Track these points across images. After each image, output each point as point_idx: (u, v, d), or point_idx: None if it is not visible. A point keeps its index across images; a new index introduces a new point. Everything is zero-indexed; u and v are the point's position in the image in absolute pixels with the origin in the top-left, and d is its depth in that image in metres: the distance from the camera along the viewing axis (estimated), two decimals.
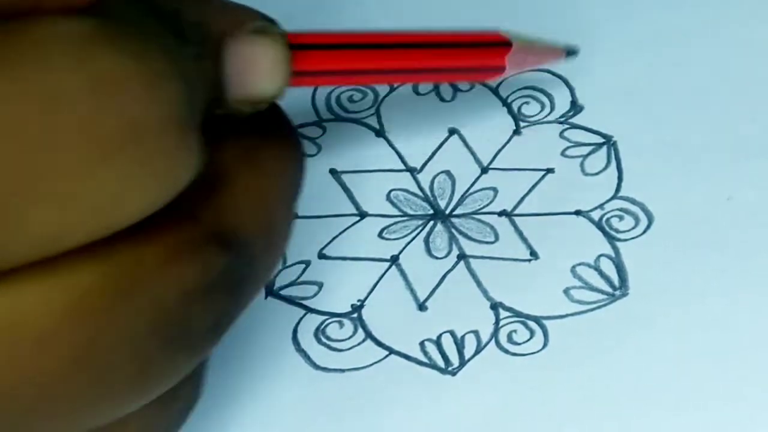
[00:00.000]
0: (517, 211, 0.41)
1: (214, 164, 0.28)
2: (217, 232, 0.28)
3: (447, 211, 0.42)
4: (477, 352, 0.38)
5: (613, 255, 0.39)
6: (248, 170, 0.30)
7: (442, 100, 0.45)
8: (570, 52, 0.42)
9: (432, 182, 0.42)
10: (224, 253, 0.28)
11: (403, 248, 0.41)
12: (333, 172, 0.43)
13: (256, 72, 0.29)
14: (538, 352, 0.37)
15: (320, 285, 0.40)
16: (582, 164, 0.42)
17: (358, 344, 0.39)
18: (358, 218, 0.42)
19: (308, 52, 0.32)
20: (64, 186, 0.25)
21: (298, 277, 0.41)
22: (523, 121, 0.44)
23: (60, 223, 0.25)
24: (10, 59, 0.24)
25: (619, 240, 0.40)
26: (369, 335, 0.39)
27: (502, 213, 0.41)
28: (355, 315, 0.39)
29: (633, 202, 0.41)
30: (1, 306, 0.25)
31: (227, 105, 0.29)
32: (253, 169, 0.30)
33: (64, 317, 0.26)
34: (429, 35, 0.36)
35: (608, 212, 0.41)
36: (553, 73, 0.45)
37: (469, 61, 0.38)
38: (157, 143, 0.25)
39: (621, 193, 0.41)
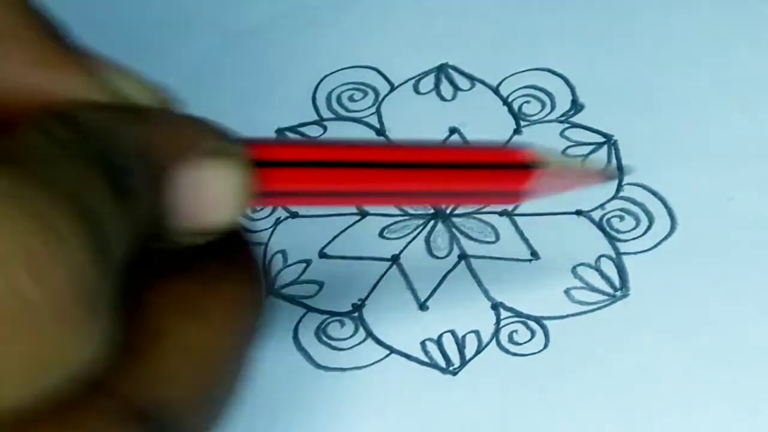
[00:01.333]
0: (517, 211, 0.41)
1: (145, 318, 0.25)
2: (139, 407, 0.24)
3: (448, 211, 0.42)
4: (478, 352, 0.38)
5: (613, 255, 0.39)
6: (188, 324, 0.26)
7: (443, 99, 0.45)
8: (611, 176, 0.36)
9: None
10: None
11: (404, 248, 0.41)
12: None
13: (208, 200, 0.25)
14: (539, 352, 0.37)
15: (321, 284, 0.40)
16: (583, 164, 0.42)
17: (359, 343, 0.39)
18: (358, 217, 0.42)
19: (278, 170, 0.27)
20: None
21: (299, 276, 0.41)
22: (524, 120, 0.44)
23: None
24: None
25: (619, 240, 0.40)
26: (370, 334, 0.39)
27: (503, 213, 0.41)
28: (356, 314, 0.39)
29: (634, 202, 0.41)
30: None
31: (171, 237, 0.25)
32: (195, 323, 0.26)
33: None
34: (433, 151, 0.30)
35: (609, 212, 0.41)
36: (554, 72, 0.45)
37: (480, 184, 0.30)
38: (51, 323, 0.22)
39: (621, 193, 0.41)
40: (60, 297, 0.22)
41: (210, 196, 0.25)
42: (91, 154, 0.24)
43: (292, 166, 0.27)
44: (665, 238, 0.40)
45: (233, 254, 0.27)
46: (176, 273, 0.26)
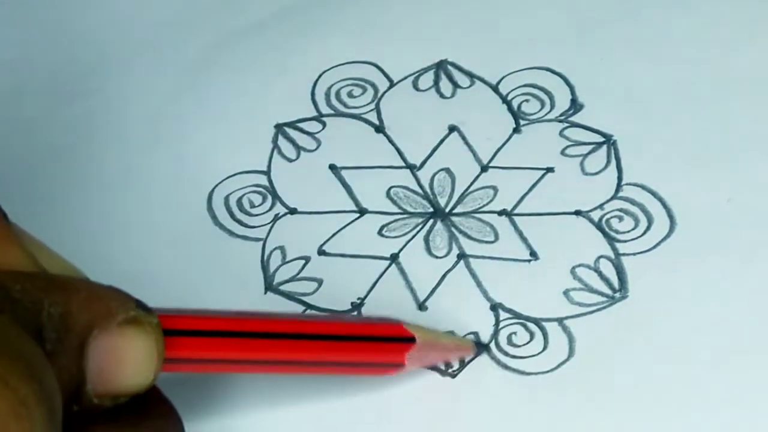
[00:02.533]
0: (517, 211, 0.41)
1: None
2: None
3: (447, 210, 0.42)
4: (477, 354, 0.38)
5: (612, 256, 0.39)
6: None
7: (443, 96, 0.45)
8: (480, 346, 0.38)
9: (432, 180, 0.42)
10: None
11: (403, 246, 0.41)
12: (332, 167, 0.43)
13: (123, 365, 0.28)
14: (538, 354, 0.38)
15: (320, 282, 0.40)
16: (582, 163, 0.42)
17: None
18: (357, 215, 0.42)
19: (186, 339, 0.30)
20: None
21: (298, 273, 0.41)
22: (523, 118, 0.44)
23: None
24: None
25: (618, 241, 0.40)
26: None
27: (502, 212, 0.41)
28: (356, 313, 0.39)
29: (633, 202, 0.41)
30: None
31: (87, 399, 0.28)
32: None
33: None
34: (323, 324, 0.34)
35: (608, 213, 0.41)
36: (553, 71, 0.45)
37: (363, 355, 0.35)
38: None
39: (621, 194, 0.41)
40: None
41: (126, 362, 0.28)
42: (22, 320, 0.26)
43: (195, 335, 0.31)
44: (664, 238, 0.40)
45: (150, 404, 0.30)
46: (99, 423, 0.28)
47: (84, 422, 0.28)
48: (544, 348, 0.38)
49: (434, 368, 0.38)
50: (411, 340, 0.35)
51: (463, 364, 0.38)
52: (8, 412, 0.24)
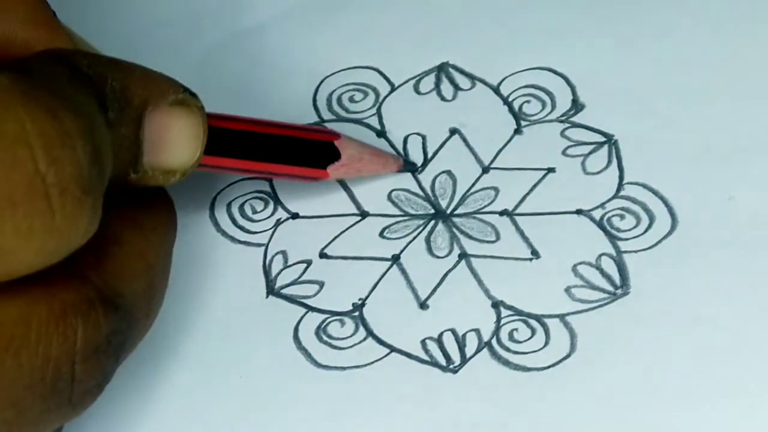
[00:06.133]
0: (518, 211, 0.41)
1: (104, 227, 0.30)
2: (105, 294, 0.30)
3: (448, 211, 0.42)
4: (478, 350, 0.38)
5: (614, 254, 0.39)
6: (133, 234, 0.32)
7: (443, 99, 0.45)
8: (408, 164, 0.43)
9: (433, 182, 0.43)
10: (111, 316, 0.30)
11: (405, 247, 0.41)
12: None
13: (173, 141, 0.32)
14: (539, 350, 0.37)
15: (321, 284, 0.40)
16: (583, 163, 0.42)
17: (360, 342, 0.39)
18: (359, 218, 0.42)
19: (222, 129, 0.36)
20: None
21: (300, 276, 0.41)
22: (524, 119, 0.44)
23: None
24: None
25: (620, 239, 0.40)
26: (370, 333, 0.39)
27: (504, 212, 0.41)
28: (357, 313, 0.39)
29: (634, 201, 0.41)
30: None
31: (143, 171, 0.31)
32: (138, 234, 0.32)
33: None
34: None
35: (609, 211, 0.41)
36: (554, 72, 0.45)
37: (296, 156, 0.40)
38: (58, 202, 0.27)
39: (622, 193, 0.41)
40: (67, 180, 0.27)
41: (175, 138, 0.32)
42: (88, 89, 0.29)
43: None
44: (666, 236, 0.40)
45: (157, 197, 0.34)
46: (122, 199, 0.32)
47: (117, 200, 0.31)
48: (546, 344, 0.38)
49: (435, 364, 0.38)
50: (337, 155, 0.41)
51: (464, 360, 0.38)
52: (46, 138, 0.26)
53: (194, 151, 0.32)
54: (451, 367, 0.37)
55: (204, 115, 0.33)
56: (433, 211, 0.42)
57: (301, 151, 0.40)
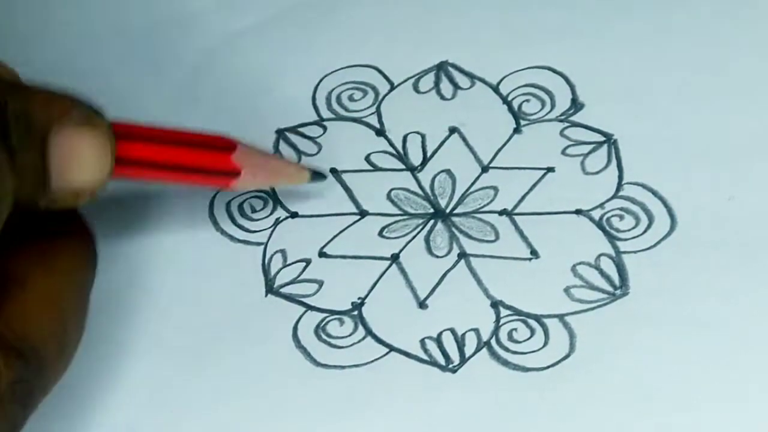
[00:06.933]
0: (517, 210, 0.41)
1: (8, 268, 0.29)
2: (7, 340, 0.29)
3: (447, 210, 0.42)
4: (478, 349, 0.38)
5: (613, 254, 0.39)
6: (41, 272, 0.31)
7: (443, 98, 0.45)
8: (317, 174, 0.42)
9: (432, 181, 0.43)
10: (14, 363, 0.29)
11: (404, 247, 0.41)
12: (333, 171, 0.43)
13: (81, 161, 0.31)
14: (538, 350, 0.37)
15: (321, 283, 0.40)
16: (582, 163, 0.42)
17: (359, 341, 0.39)
18: (358, 217, 0.42)
19: (133, 143, 0.34)
20: None
21: (299, 275, 0.41)
22: (524, 119, 0.44)
23: None
24: None
25: (619, 239, 0.40)
26: (369, 333, 0.39)
27: (503, 212, 0.41)
28: (356, 312, 0.39)
29: (633, 201, 0.41)
30: None
31: (51, 196, 0.30)
32: (47, 271, 0.31)
33: None
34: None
35: (609, 211, 0.41)
36: (554, 70, 0.45)
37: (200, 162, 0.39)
38: None
39: (621, 193, 0.41)
40: None
41: (81, 159, 0.31)
42: None
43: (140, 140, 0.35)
44: (665, 236, 0.40)
45: (71, 224, 0.32)
46: (31, 235, 0.31)
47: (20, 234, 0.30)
48: (545, 344, 0.38)
49: (434, 363, 0.38)
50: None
51: (463, 359, 0.38)
52: None
53: (103, 170, 0.31)
54: (450, 366, 0.37)
55: (111, 132, 0.32)
56: (432, 210, 0.42)
57: (202, 163, 0.39)
